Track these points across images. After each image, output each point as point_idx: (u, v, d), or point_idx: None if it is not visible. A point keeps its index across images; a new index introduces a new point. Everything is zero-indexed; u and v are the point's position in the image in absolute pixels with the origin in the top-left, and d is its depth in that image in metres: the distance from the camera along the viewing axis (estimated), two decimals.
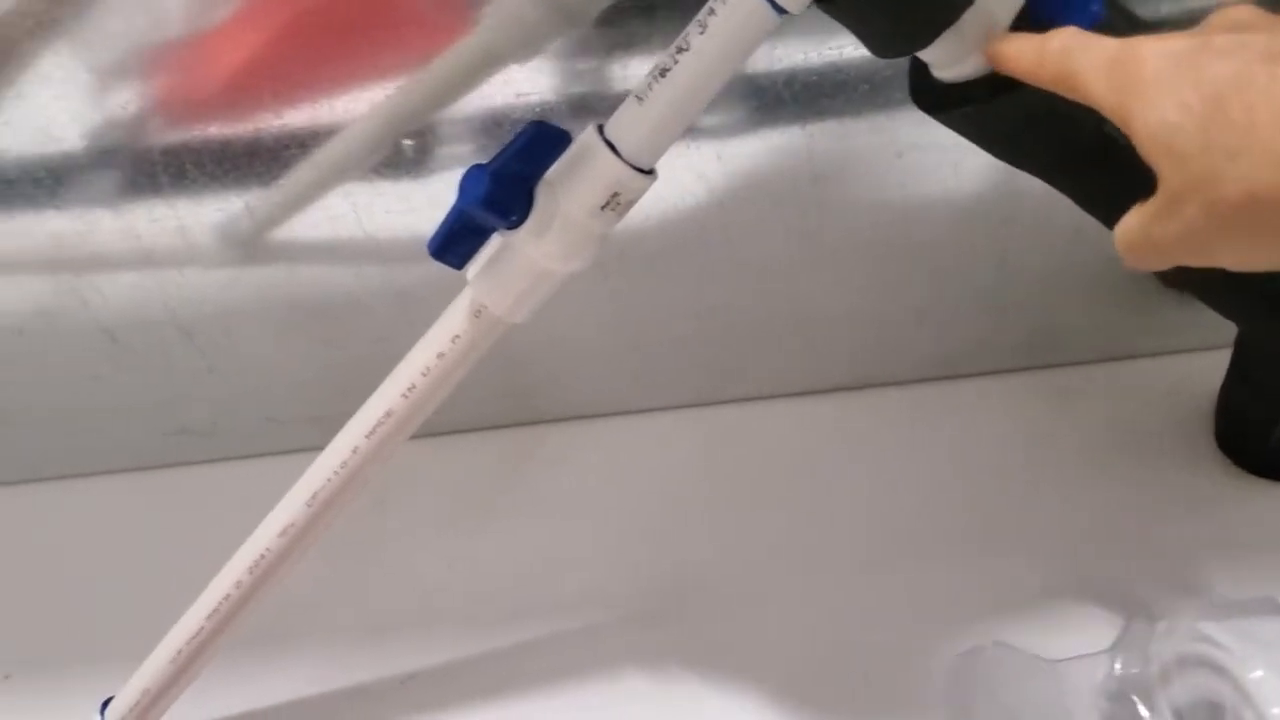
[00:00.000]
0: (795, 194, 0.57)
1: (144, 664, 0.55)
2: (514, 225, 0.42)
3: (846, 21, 0.40)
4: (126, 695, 0.55)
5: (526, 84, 0.54)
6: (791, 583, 0.61)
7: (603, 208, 0.42)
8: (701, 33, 0.39)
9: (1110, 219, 0.48)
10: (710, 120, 0.55)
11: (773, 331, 0.65)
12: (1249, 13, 0.33)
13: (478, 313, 0.45)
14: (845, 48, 0.52)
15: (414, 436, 0.69)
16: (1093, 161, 0.44)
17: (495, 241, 0.44)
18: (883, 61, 0.43)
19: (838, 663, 0.56)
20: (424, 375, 0.47)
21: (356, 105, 0.55)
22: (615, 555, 0.64)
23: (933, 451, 0.66)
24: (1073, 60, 0.35)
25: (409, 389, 0.47)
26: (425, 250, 0.56)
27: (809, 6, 0.38)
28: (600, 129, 0.42)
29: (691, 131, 0.54)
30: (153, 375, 0.66)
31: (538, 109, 0.55)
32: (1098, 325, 0.65)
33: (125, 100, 0.55)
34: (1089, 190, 0.46)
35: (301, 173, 0.58)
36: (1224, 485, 0.61)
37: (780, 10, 0.38)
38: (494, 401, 0.69)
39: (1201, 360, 0.64)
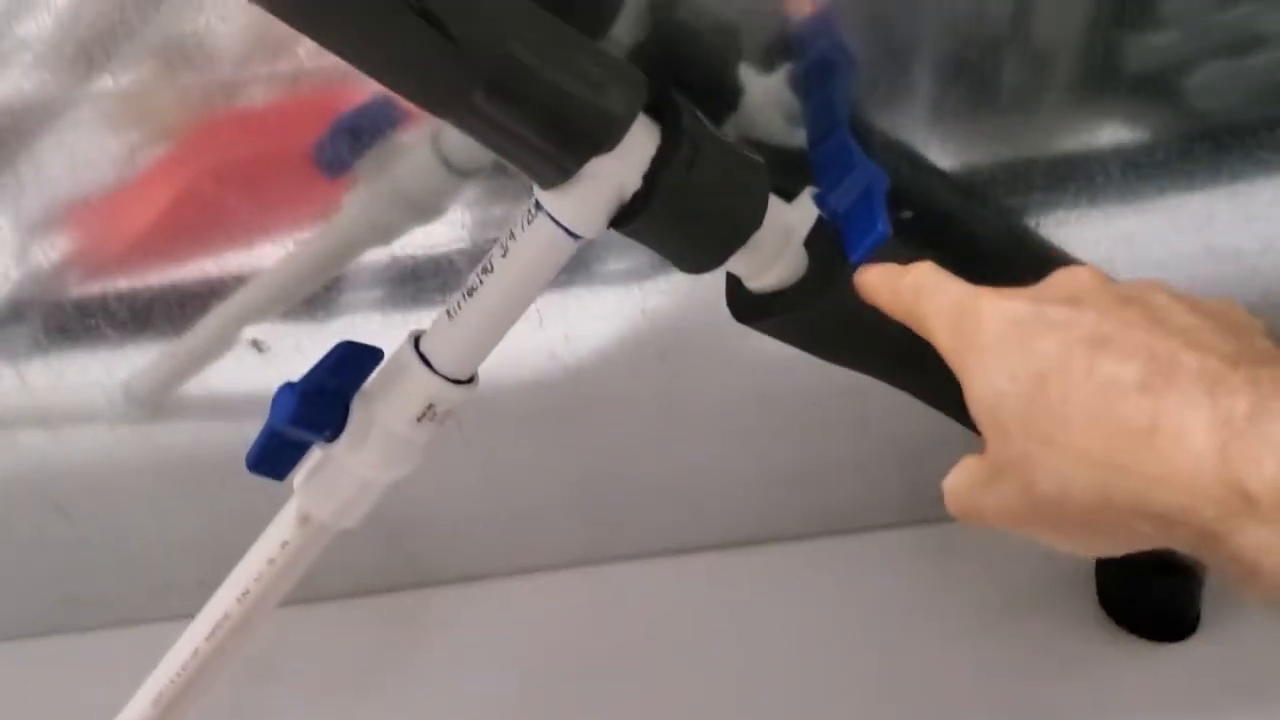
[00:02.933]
0: (644, 369, 0.58)
1: None
2: (330, 439, 0.42)
3: (646, 244, 0.40)
4: None
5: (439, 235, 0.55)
6: None
7: (419, 419, 0.42)
8: (504, 255, 0.40)
9: (942, 408, 0.49)
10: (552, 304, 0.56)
11: (645, 493, 0.66)
12: (1089, 280, 0.31)
13: (304, 519, 0.45)
14: None
15: (296, 602, 0.69)
16: (906, 363, 0.44)
17: (318, 450, 0.44)
18: None
19: None
20: (256, 580, 0.47)
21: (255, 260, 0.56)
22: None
23: (811, 610, 0.65)
24: (922, 301, 0.34)
25: (243, 594, 0.47)
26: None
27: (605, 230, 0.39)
28: (416, 341, 0.42)
29: (539, 316, 0.55)
30: (29, 549, 0.65)
31: (447, 260, 0.55)
32: None
33: (44, 256, 0.55)
34: (915, 388, 0.47)
35: (176, 347, 0.59)
36: (1104, 645, 0.61)
37: (575, 236, 0.39)
38: (377, 566, 0.69)
39: None
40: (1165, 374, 0.27)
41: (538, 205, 0.39)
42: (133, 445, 0.61)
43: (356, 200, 0.54)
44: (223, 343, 0.60)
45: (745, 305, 0.43)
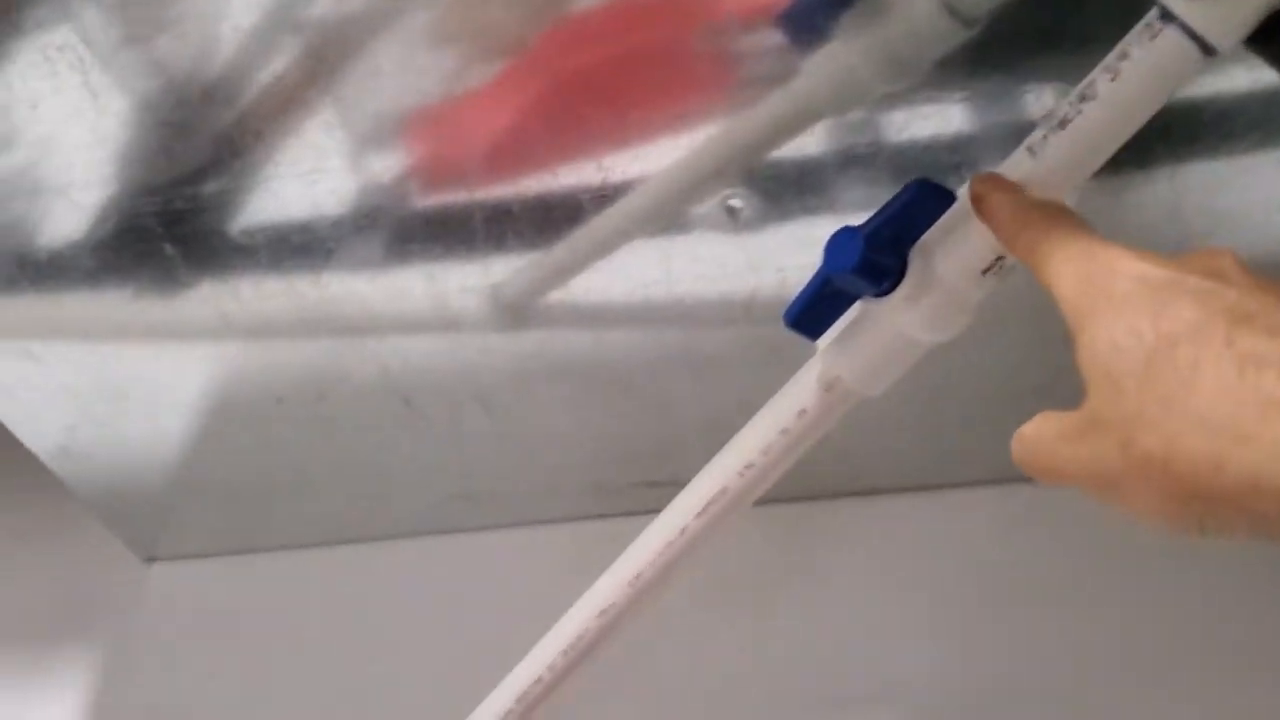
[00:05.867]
0: None
1: None
2: (884, 293, 0.39)
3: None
4: None
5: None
6: (1096, 688, 0.56)
7: (984, 272, 0.38)
8: (1112, 79, 0.35)
9: None
10: None
11: None
12: (1230, 264, 0.30)
13: (830, 386, 0.42)
14: None
15: None
16: None
17: (853, 309, 0.41)
18: None
19: None
20: (764, 453, 0.44)
21: (629, 165, 0.53)
22: (903, 646, 0.60)
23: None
24: (1050, 240, 0.33)
25: (746, 466, 0.44)
26: (731, 317, 0.53)
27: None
28: None
29: None
30: (443, 441, 0.65)
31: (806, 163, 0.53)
32: None
33: (389, 165, 0.54)
34: None
35: (593, 228, 0.57)
36: None
37: (1208, 51, 0.34)
38: None
39: None
40: None
41: (1164, 15, 0.34)
42: (559, 345, 0.60)
43: (823, 63, 0.50)
44: (632, 232, 0.58)
45: None
